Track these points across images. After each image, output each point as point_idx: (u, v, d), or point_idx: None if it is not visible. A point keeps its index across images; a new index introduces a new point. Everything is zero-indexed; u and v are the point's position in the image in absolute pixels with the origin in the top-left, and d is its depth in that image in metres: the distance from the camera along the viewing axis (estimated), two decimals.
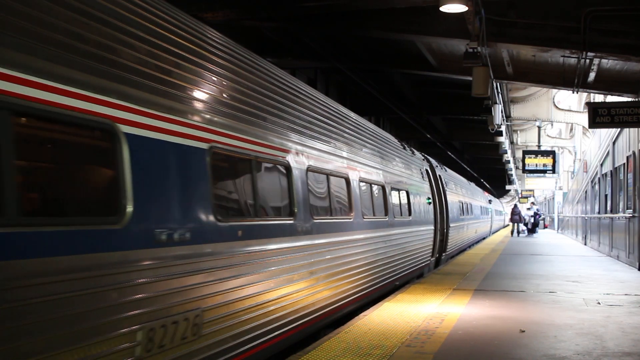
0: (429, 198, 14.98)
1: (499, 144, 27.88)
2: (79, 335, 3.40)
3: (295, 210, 6.52)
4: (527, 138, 33.99)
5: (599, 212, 21.63)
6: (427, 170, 15.63)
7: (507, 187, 48.70)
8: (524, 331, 6.97)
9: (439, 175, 17.26)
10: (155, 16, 4.57)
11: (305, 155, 6.94)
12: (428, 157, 17.13)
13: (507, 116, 23.00)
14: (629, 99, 14.07)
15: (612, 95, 15.74)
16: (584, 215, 27.10)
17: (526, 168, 27.25)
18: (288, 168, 6.45)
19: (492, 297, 9.58)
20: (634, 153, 14.96)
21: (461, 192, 22.82)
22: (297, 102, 7.19)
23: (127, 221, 3.85)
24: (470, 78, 12.17)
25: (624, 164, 16.42)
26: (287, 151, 6.44)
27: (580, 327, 7.28)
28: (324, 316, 7.29)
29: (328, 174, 7.77)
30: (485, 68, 11.84)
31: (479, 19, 10.87)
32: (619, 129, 16.56)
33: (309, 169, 7.03)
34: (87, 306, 3.47)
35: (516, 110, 24.25)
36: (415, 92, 21.80)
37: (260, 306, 5.53)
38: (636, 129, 14.18)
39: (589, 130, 25.00)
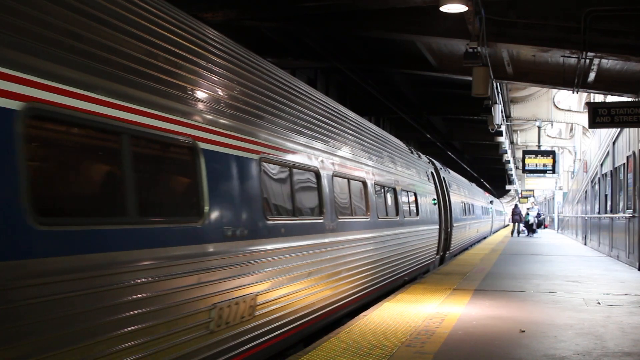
0: (434, 199, 15.74)
1: (499, 144, 27.88)
2: (172, 310, 4.33)
3: (324, 211, 7.42)
4: (527, 138, 33.99)
5: (599, 212, 21.63)
6: (432, 172, 16.38)
7: (507, 187, 48.71)
8: (524, 331, 6.97)
9: (443, 177, 17.97)
10: (240, 61, 5.85)
11: (330, 162, 7.87)
12: (433, 159, 17.88)
13: (507, 116, 23.00)
14: (629, 99, 14.07)
15: (612, 95, 15.75)
16: (584, 215, 27.10)
17: (526, 168, 27.25)
18: (318, 174, 7.37)
19: (492, 297, 9.59)
20: (634, 153, 14.97)
21: (463, 193, 23.64)
22: (327, 117, 8.26)
23: (205, 220, 4.80)
24: (470, 78, 12.18)
25: (624, 164, 16.42)
26: (317, 159, 7.43)
27: (580, 327, 7.28)
28: (346, 305, 8.25)
29: (349, 179, 8.67)
30: (485, 68, 11.85)
31: (479, 19, 10.87)
32: (619, 129, 16.56)
33: (334, 175, 7.94)
34: (179, 286, 4.42)
35: (516, 110, 24.25)
36: (415, 92, 21.80)
37: (297, 293, 6.46)
38: (636, 129, 14.18)
39: (589, 130, 25.01)
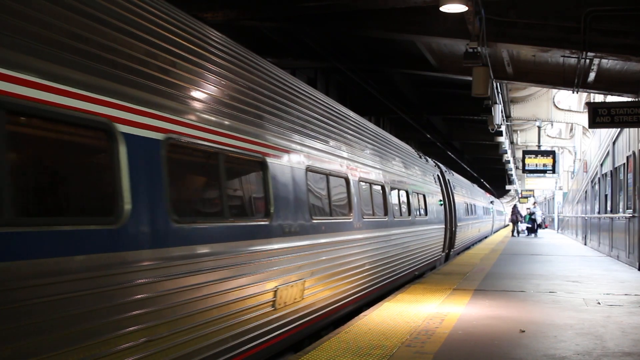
0: (440, 200, 16.89)
1: (499, 144, 27.90)
2: (250, 290, 5.48)
3: (352, 212, 8.56)
4: (527, 138, 33.98)
5: (599, 212, 21.63)
6: (438, 175, 17.63)
7: (507, 187, 48.72)
8: (524, 331, 6.97)
9: (448, 180, 19.14)
10: (265, 80, 6.51)
11: (358, 170, 9.12)
12: (438, 163, 19.09)
13: (507, 116, 23.00)
14: (629, 99, 14.07)
15: (612, 95, 15.74)
16: (584, 215, 27.10)
17: (526, 168, 27.25)
18: (347, 180, 8.57)
19: (492, 297, 9.59)
20: (634, 153, 14.97)
21: (466, 194, 24.72)
22: (356, 132, 9.71)
23: (271, 219, 5.98)
24: (470, 78, 12.18)
25: (624, 164, 16.42)
26: (347, 167, 8.70)
27: (580, 327, 7.28)
28: (368, 294, 9.49)
29: (371, 183, 9.86)
30: (485, 68, 11.85)
31: (479, 19, 10.87)
32: (619, 129, 16.56)
33: (360, 180, 9.14)
34: (252, 271, 5.52)
35: (516, 110, 24.25)
36: (415, 92, 21.80)
37: (334, 280, 7.72)
38: (636, 129, 14.18)
39: (589, 130, 25.01)
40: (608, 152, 19.28)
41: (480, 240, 29.05)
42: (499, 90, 17.58)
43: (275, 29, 13.66)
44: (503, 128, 21.90)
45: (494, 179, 52.83)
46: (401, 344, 6.21)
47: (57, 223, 3.39)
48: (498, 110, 18.13)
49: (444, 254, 17.12)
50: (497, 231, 43.02)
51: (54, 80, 3.41)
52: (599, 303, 9.20)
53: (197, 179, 5.50)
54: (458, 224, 19.58)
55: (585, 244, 25.80)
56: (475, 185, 33.86)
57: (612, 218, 18.47)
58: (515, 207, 35.92)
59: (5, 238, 3.05)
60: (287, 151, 6.52)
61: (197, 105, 4.94)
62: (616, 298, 9.78)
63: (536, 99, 24.08)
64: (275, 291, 5.95)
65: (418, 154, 15.83)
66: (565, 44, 11.61)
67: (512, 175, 41.90)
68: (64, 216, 3.55)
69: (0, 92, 3.11)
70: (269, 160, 6.03)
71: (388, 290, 10.63)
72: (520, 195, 54.07)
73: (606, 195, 19.99)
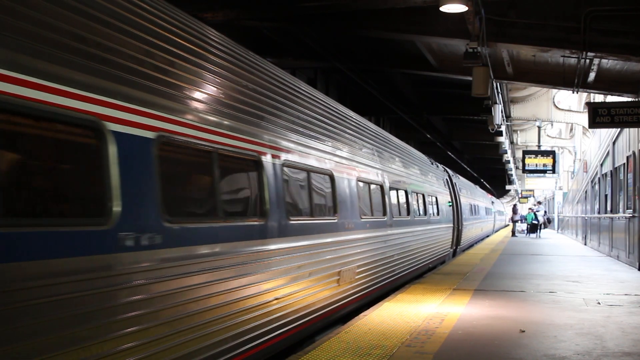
0: (449, 202, 18.63)
1: (499, 144, 27.87)
2: (325, 270, 7.37)
3: (384, 212, 10.41)
4: (527, 138, 33.96)
5: (599, 212, 21.63)
6: (447, 179, 19.37)
7: (507, 187, 48.69)
8: (524, 331, 6.97)
9: (454, 183, 20.88)
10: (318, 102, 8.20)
11: (387, 177, 11.01)
12: (446, 168, 20.95)
13: (507, 116, 22.99)
14: (629, 99, 14.07)
15: (612, 95, 15.74)
16: (584, 215, 27.09)
17: (526, 168, 27.23)
18: (382, 186, 10.40)
19: (492, 297, 9.59)
20: (634, 153, 14.96)
21: (470, 196, 26.41)
22: (388, 146, 11.90)
23: (338, 217, 7.88)
24: (470, 78, 12.18)
25: (624, 164, 16.42)
26: (382, 175, 10.56)
27: (580, 327, 7.28)
28: (396, 280, 11.37)
29: (397, 189, 11.71)
30: (485, 68, 11.85)
31: (479, 19, 10.87)
32: (619, 129, 16.56)
33: (390, 186, 11.03)
34: (330, 257, 7.49)
35: (516, 110, 24.24)
36: (415, 92, 21.80)
37: (376, 268, 9.72)
38: (636, 129, 14.18)
39: (589, 130, 25.00)
40: (608, 152, 19.27)
41: (482, 239, 30.25)
42: (499, 90, 17.57)
43: (275, 29, 13.65)
44: (503, 128, 21.90)
45: (494, 179, 52.82)
46: (401, 344, 6.21)
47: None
48: (498, 110, 18.13)
49: (451, 250, 18.82)
50: (498, 230, 43.78)
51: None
52: (599, 303, 9.20)
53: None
54: (464, 224, 21.26)
55: (585, 244, 25.80)
56: (478, 187, 35.15)
57: (612, 218, 18.47)
58: (515, 206, 35.88)
59: None
60: (347, 166, 8.50)
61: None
62: (616, 298, 9.78)
63: (536, 99, 24.07)
64: (340, 272, 7.97)
65: (430, 160, 17.58)
66: (565, 44, 11.61)
67: (512, 175, 41.89)
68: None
69: (216, 143, 4.57)
70: (336, 174, 7.90)
71: (411, 277, 12.80)
72: (520, 195, 54.04)
73: (606, 195, 19.98)
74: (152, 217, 4.14)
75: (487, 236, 33.49)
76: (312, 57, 15.09)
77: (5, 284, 3.04)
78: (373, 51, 16.13)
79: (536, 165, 26.91)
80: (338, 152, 8.27)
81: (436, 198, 16.14)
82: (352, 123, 9.53)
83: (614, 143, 18.13)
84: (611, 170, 18.66)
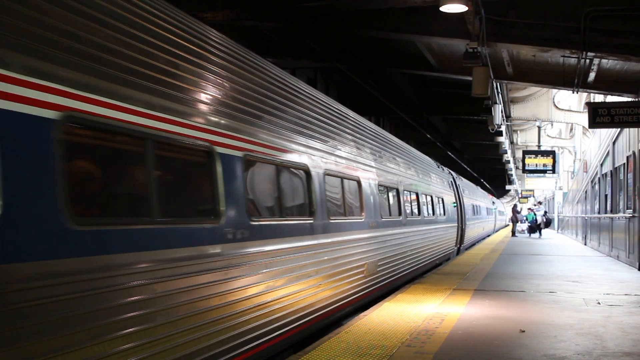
0: (454, 203, 20.02)
1: (499, 144, 27.87)
2: (352, 262, 8.48)
3: (399, 213, 11.84)
4: (527, 138, 33.95)
5: (599, 212, 21.63)
6: (451, 181, 20.70)
7: (507, 187, 48.69)
8: (524, 331, 6.97)
9: (458, 184, 22.15)
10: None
11: (402, 181, 12.27)
12: (450, 171, 22.32)
13: (507, 116, 22.99)
14: (629, 99, 14.07)
15: (612, 95, 15.74)
16: (584, 215, 27.09)
17: (526, 168, 27.22)
18: (397, 190, 11.85)
19: (492, 297, 9.59)
20: (634, 153, 14.96)
21: (472, 196, 27.60)
22: (401, 152, 13.32)
23: (364, 217, 9.21)
24: (470, 78, 12.17)
25: (624, 164, 16.42)
26: (398, 180, 11.92)
27: (580, 327, 7.28)
28: (417, 270, 13.28)
29: (410, 191, 13.04)
30: (485, 68, 11.85)
31: (479, 19, 10.87)
32: (619, 129, 16.55)
33: (404, 189, 12.39)
34: (358, 251, 8.76)
35: (516, 110, 24.24)
36: (415, 92, 21.79)
37: (394, 260, 11.05)
38: (636, 129, 14.18)
39: (589, 130, 24.99)
40: (608, 152, 19.27)
41: (484, 238, 31.52)
42: (499, 90, 17.57)
43: (275, 29, 13.65)
44: (503, 128, 21.90)
45: (494, 179, 52.80)
46: (401, 344, 6.21)
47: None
48: (498, 110, 18.13)
49: (456, 248, 20.12)
50: (498, 230, 44.43)
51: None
52: (599, 303, 9.20)
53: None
54: (467, 223, 22.63)
55: (585, 244, 25.79)
56: (479, 188, 36.53)
57: (612, 218, 18.47)
58: (515, 207, 35.84)
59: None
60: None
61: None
62: (616, 298, 9.78)
63: (536, 99, 24.07)
64: (367, 263, 9.22)
65: (437, 164, 18.96)
66: (565, 44, 11.61)
67: (512, 175, 41.87)
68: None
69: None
70: (363, 181, 9.36)
71: (422, 271, 14.12)
72: (520, 195, 54.03)
73: (606, 195, 19.98)
74: (243, 217, 5.31)
75: (489, 235, 34.69)
76: (312, 57, 15.08)
77: (163, 263, 4.13)
78: (373, 51, 16.12)
79: (536, 165, 26.90)
80: (362, 160, 9.65)
81: (443, 199, 17.55)
82: (374, 135, 11.15)
83: (614, 143, 18.13)
84: (611, 170, 18.66)
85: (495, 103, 17.34)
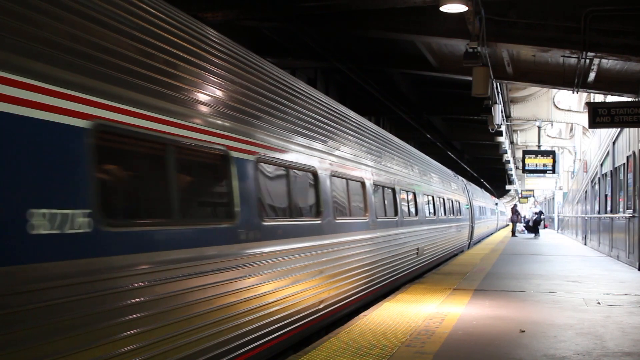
0: (467, 205, 23.81)
1: (499, 144, 27.86)
2: (408, 246, 12.17)
3: (434, 213, 15.26)
4: (527, 138, 33.94)
5: (599, 212, 21.62)
6: (464, 187, 24.50)
7: (507, 187, 48.68)
8: (524, 331, 6.97)
9: (468, 189, 26.03)
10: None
11: (435, 191, 15.78)
12: (462, 178, 26.51)
13: (507, 116, 22.99)
14: (629, 99, 14.06)
15: (612, 95, 15.73)
16: (584, 215, 27.09)
17: (526, 168, 27.21)
18: (433, 197, 15.23)
19: (492, 297, 9.59)
20: (634, 153, 14.96)
21: (479, 199, 31.49)
22: (434, 168, 17.44)
23: (419, 217, 13.41)
24: (470, 78, 12.17)
25: (624, 164, 16.41)
26: (433, 190, 15.41)
27: (580, 327, 7.28)
28: (445, 256, 17.25)
29: (433, 195, 15.70)
30: (485, 68, 11.84)
31: (479, 19, 10.87)
32: (619, 129, 16.55)
33: (425, 194, 14.71)
34: (415, 238, 12.93)
35: (516, 110, 24.24)
36: (415, 92, 21.78)
37: (433, 246, 14.70)
38: (636, 129, 14.18)
39: (589, 130, 24.99)
40: (608, 152, 19.27)
41: (488, 236, 34.84)
42: (499, 90, 17.57)
43: (275, 29, 13.65)
44: (503, 128, 21.90)
45: (494, 179, 52.78)
46: (401, 344, 6.21)
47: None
48: (498, 110, 18.12)
49: (467, 242, 23.61)
50: (501, 229, 46.90)
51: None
52: (599, 303, 9.20)
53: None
54: (475, 222, 26.47)
55: (585, 244, 25.79)
56: (484, 191, 40.49)
57: (612, 218, 18.47)
58: (515, 207, 35.82)
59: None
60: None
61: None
62: (616, 298, 9.78)
63: (536, 99, 24.06)
64: (418, 248, 12.93)
65: (453, 174, 22.99)
66: (565, 44, 11.60)
67: (512, 175, 41.86)
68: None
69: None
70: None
71: (445, 259, 17.48)
72: (520, 195, 54.03)
73: (606, 195, 19.98)
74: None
75: (492, 233, 38.61)
76: (312, 57, 15.08)
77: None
78: (373, 51, 16.12)
79: (536, 165, 26.88)
80: (425, 184, 14.70)
81: (459, 203, 21.37)
82: (412, 154, 14.49)
83: (614, 143, 18.13)
84: (611, 170, 18.66)
85: (495, 103, 17.33)
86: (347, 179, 8.45)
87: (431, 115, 24.89)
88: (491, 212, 39.38)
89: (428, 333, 6.77)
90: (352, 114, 9.95)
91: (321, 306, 7.13)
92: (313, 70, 17.85)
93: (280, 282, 6.01)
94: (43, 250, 3.20)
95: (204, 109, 4.96)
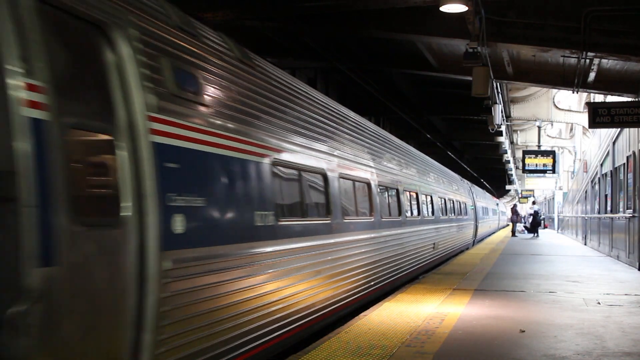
0: (472, 206, 26.02)
1: (499, 144, 27.86)
2: (425, 242, 14.37)
3: (446, 213, 17.35)
4: (527, 138, 33.94)
5: (599, 212, 21.62)
6: (469, 189, 26.76)
7: (507, 187, 48.68)
8: (524, 331, 6.97)
9: (472, 191, 28.25)
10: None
11: (446, 194, 18.02)
12: (467, 181, 28.86)
13: (507, 116, 22.99)
14: (629, 99, 14.06)
15: (612, 95, 15.73)
16: (584, 215, 27.09)
17: (526, 168, 27.21)
18: (445, 199, 17.25)
19: (492, 297, 9.59)
20: (634, 153, 14.96)
21: (482, 200, 33.73)
22: (446, 175, 20.40)
23: (434, 216, 15.70)
24: (470, 78, 12.16)
25: (624, 164, 16.42)
26: (445, 193, 17.80)
27: (580, 327, 7.28)
28: (454, 250, 19.24)
29: (445, 198, 17.82)
30: (485, 68, 11.84)
31: (479, 19, 10.86)
32: (619, 129, 16.55)
33: (440, 197, 16.85)
34: (430, 234, 14.97)
35: (516, 110, 24.24)
36: (415, 92, 21.78)
37: (444, 242, 16.98)
38: (636, 129, 14.17)
39: (589, 130, 24.99)
40: (608, 152, 19.27)
41: (490, 234, 36.50)
42: (499, 90, 17.57)
43: (276, 29, 13.64)
44: (503, 128, 21.90)
45: (494, 179, 52.80)
46: (401, 344, 6.21)
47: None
48: (498, 110, 18.12)
49: (472, 239, 25.59)
50: (502, 228, 48.31)
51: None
52: (599, 303, 9.20)
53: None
54: (479, 222, 28.61)
55: (585, 244, 25.79)
56: (486, 192, 43.11)
57: (612, 218, 18.47)
58: (514, 207, 35.82)
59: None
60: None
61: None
62: (616, 298, 9.79)
63: (536, 99, 24.06)
64: (434, 243, 14.98)
65: (460, 178, 25.51)
66: (565, 44, 11.60)
67: (512, 175, 41.85)
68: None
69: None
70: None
71: (455, 253, 19.44)
72: (520, 195, 54.02)
73: (606, 195, 19.98)
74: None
75: (494, 232, 40.72)
76: (312, 57, 15.08)
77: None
78: (373, 51, 16.12)
79: (536, 165, 26.89)
80: (439, 188, 17.07)
81: (466, 204, 23.53)
82: (430, 164, 17.47)
83: (614, 143, 18.13)
84: (611, 170, 18.66)
85: (495, 103, 17.34)
86: (396, 189, 11.61)
87: (431, 115, 24.89)
88: (493, 212, 41.67)
89: (428, 333, 6.77)
90: (388, 134, 13.26)
91: (373, 286, 9.65)
92: (313, 70, 17.85)
93: (359, 251, 8.75)
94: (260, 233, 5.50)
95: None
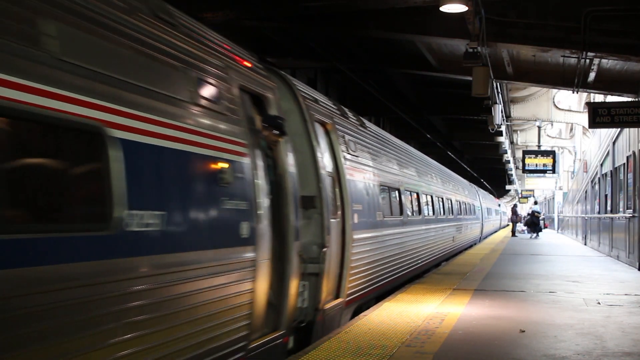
0: (478, 207, 29.09)
1: (499, 144, 27.86)
2: (447, 235, 18.06)
3: (459, 213, 20.93)
4: (527, 138, 33.93)
5: (599, 212, 21.63)
6: (475, 191, 30.33)
7: (507, 187, 48.68)
8: (524, 331, 6.97)
9: (479, 194, 31.63)
10: None
11: (460, 197, 21.82)
12: (474, 185, 32.66)
13: (507, 116, 22.99)
14: (629, 99, 14.07)
15: (612, 95, 15.74)
16: (584, 215, 27.10)
17: (526, 168, 27.21)
18: (459, 202, 21.28)
19: (492, 297, 9.59)
20: (634, 153, 14.96)
21: (486, 202, 36.35)
22: (459, 181, 24.70)
23: (453, 216, 19.51)
24: (470, 78, 12.16)
25: (624, 164, 16.42)
26: (458, 196, 21.61)
27: (580, 327, 7.28)
28: (465, 245, 22.66)
29: (459, 201, 21.01)
30: (485, 68, 11.84)
31: (479, 19, 10.86)
32: (619, 129, 16.56)
33: (456, 199, 20.49)
34: (455, 230, 19.72)
35: (516, 110, 24.23)
36: (415, 92, 21.79)
37: (460, 237, 21.06)
38: (636, 129, 14.17)
39: (589, 130, 25.00)
40: (608, 152, 19.28)
41: (493, 232, 39.02)
42: (499, 90, 17.57)
43: (276, 29, 13.64)
44: (503, 128, 21.90)
45: (494, 179, 52.79)
46: (401, 344, 6.21)
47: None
48: (498, 110, 18.12)
49: (479, 236, 28.72)
50: (503, 227, 50.76)
51: None
52: (599, 303, 9.21)
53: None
54: (484, 221, 31.65)
55: (585, 244, 25.79)
56: (491, 195, 47.11)
57: (612, 218, 18.47)
58: (514, 207, 35.81)
59: None
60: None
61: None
62: (616, 298, 9.79)
63: (536, 99, 24.05)
64: (453, 236, 18.76)
65: (468, 182, 29.21)
66: (565, 44, 11.60)
67: (512, 175, 41.84)
68: None
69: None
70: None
71: (468, 246, 23.23)
72: (520, 195, 54.03)
73: (606, 195, 19.98)
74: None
75: (496, 230, 44.03)
76: (312, 57, 15.08)
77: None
78: (373, 51, 16.11)
79: (536, 165, 26.89)
80: (457, 194, 21.16)
81: (474, 205, 26.48)
82: (450, 175, 21.53)
83: (614, 143, 18.13)
84: (611, 170, 18.67)
85: (495, 103, 17.33)
86: (431, 195, 15.17)
87: (431, 115, 24.89)
88: (495, 213, 46.26)
89: (428, 333, 6.77)
90: (438, 163, 18.86)
91: (426, 260, 14.14)
92: (313, 71, 17.86)
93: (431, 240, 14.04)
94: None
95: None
